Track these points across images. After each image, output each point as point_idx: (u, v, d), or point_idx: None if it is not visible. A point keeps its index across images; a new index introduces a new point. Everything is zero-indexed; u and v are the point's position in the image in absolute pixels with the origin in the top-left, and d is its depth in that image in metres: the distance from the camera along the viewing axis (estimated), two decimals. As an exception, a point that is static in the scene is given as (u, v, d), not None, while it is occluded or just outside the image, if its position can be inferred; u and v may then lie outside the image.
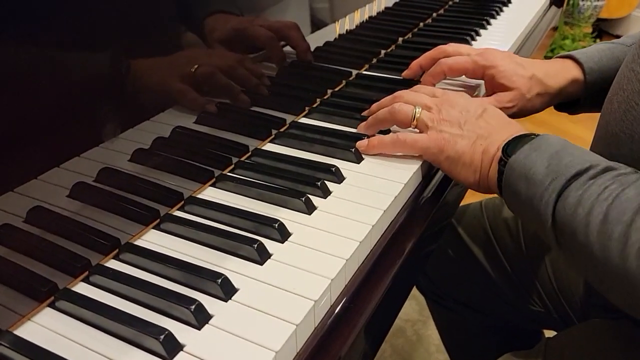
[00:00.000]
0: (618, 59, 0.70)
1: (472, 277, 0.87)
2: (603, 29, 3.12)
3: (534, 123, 0.79)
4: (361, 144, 0.61)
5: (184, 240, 0.50)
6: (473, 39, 0.96)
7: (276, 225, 0.49)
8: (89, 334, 0.41)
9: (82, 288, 0.45)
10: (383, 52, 0.90)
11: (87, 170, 0.47)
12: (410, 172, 0.58)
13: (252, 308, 0.42)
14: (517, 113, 0.70)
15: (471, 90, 0.77)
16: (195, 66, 0.55)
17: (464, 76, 0.75)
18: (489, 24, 1.04)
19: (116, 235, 0.48)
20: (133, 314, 0.41)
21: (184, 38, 0.55)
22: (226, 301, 0.43)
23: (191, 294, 0.43)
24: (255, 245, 0.46)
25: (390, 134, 0.63)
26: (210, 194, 0.56)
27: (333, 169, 0.57)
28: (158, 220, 0.51)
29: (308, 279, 0.44)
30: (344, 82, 0.79)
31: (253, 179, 0.57)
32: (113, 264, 0.47)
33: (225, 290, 0.43)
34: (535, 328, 0.96)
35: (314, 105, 0.72)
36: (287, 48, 0.70)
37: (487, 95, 0.73)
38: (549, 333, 0.81)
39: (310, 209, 0.52)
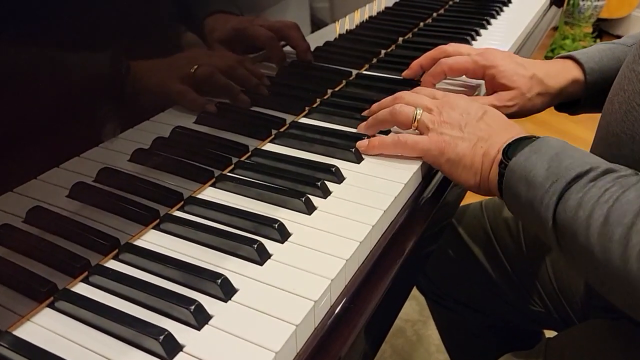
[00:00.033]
0: (619, 59, 0.70)
1: (472, 277, 0.87)
2: (603, 29, 3.12)
3: (534, 123, 0.79)
4: (361, 144, 0.61)
5: (184, 241, 0.49)
6: (473, 39, 0.96)
7: (276, 225, 0.49)
8: (88, 334, 0.41)
9: (81, 288, 0.45)
10: (383, 52, 0.90)
11: (86, 170, 0.47)
12: (411, 172, 0.58)
13: (251, 308, 0.42)
14: (517, 112, 0.70)
15: (471, 90, 0.76)
16: (195, 67, 0.55)
17: (464, 76, 0.75)
18: (489, 23, 1.04)
19: (116, 235, 0.48)
20: (133, 314, 0.41)
21: (183, 38, 0.55)
22: (226, 301, 0.43)
23: (191, 295, 0.43)
24: (255, 246, 0.46)
25: (391, 134, 0.63)
26: (210, 194, 0.56)
27: (333, 169, 0.57)
28: (158, 220, 0.51)
29: (308, 279, 0.44)
30: (344, 82, 0.79)
31: (253, 179, 0.57)
32: (113, 264, 0.47)
33: (225, 290, 0.43)
34: (536, 328, 0.96)
35: (314, 105, 0.72)
36: (287, 48, 0.70)
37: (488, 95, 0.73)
38: (550, 333, 0.81)
39: (310, 209, 0.52)
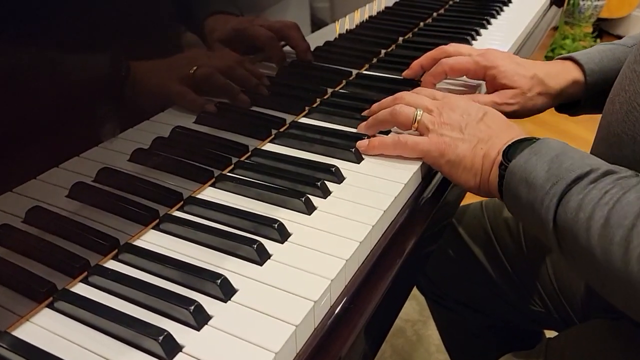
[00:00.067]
0: (619, 60, 0.70)
1: (472, 277, 0.87)
2: (603, 29, 3.12)
3: (535, 123, 0.79)
4: (361, 144, 0.61)
5: (183, 241, 0.49)
6: (473, 39, 0.96)
7: (276, 225, 0.49)
8: (87, 334, 0.41)
9: (80, 289, 0.45)
10: (383, 51, 0.90)
11: (86, 170, 0.47)
12: (411, 172, 0.58)
13: (251, 309, 0.42)
14: (519, 111, 0.70)
15: (472, 90, 0.76)
16: (195, 67, 0.55)
17: (464, 77, 0.75)
18: (489, 23, 1.04)
19: (115, 235, 0.48)
20: (132, 314, 0.41)
21: (183, 39, 0.55)
22: (225, 302, 0.43)
23: (190, 295, 0.43)
24: (255, 246, 0.46)
25: (391, 134, 0.63)
26: (210, 194, 0.56)
27: (333, 169, 0.57)
28: (157, 220, 0.51)
29: (308, 279, 0.44)
30: (344, 81, 0.79)
31: (253, 179, 0.57)
32: (112, 264, 0.47)
33: (225, 290, 0.43)
34: (536, 328, 0.96)
35: (314, 105, 0.72)
36: (287, 48, 0.70)
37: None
38: (550, 333, 0.80)
39: (310, 209, 0.52)
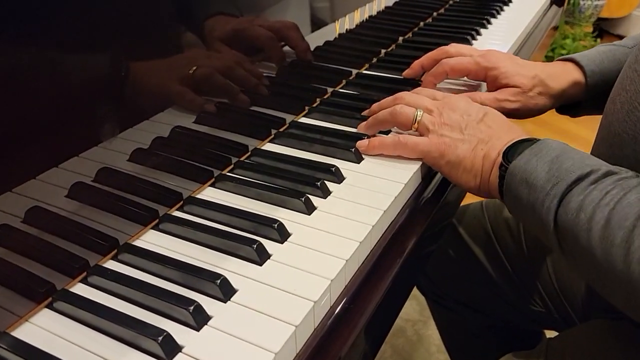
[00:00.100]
0: (619, 61, 0.70)
1: (472, 277, 0.87)
2: (604, 29, 3.12)
3: (535, 123, 0.78)
4: (361, 144, 0.61)
5: (183, 241, 0.49)
6: (474, 38, 0.96)
7: (276, 225, 0.49)
8: (87, 335, 0.41)
9: (80, 289, 0.45)
10: (383, 51, 0.90)
11: (85, 170, 0.47)
12: (411, 172, 0.58)
13: (251, 309, 0.42)
14: (520, 110, 0.70)
15: (472, 89, 0.76)
16: (194, 67, 0.55)
17: (465, 77, 0.75)
18: (489, 23, 1.04)
19: (115, 235, 0.48)
20: (131, 315, 0.41)
21: (182, 39, 0.55)
22: (225, 302, 0.42)
23: (190, 295, 0.43)
24: (255, 246, 0.46)
25: (391, 134, 0.63)
26: (210, 194, 0.55)
27: (333, 169, 0.57)
28: (157, 220, 0.51)
29: (308, 279, 0.44)
30: (344, 81, 0.79)
31: (252, 179, 0.57)
32: (111, 264, 0.47)
33: (224, 291, 0.43)
34: (536, 328, 0.96)
35: (314, 105, 0.72)
36: (287, 47, 0.70)
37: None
38: (550, 333, 0.80)
39: (310, 209, 0.52)
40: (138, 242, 0.49)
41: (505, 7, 1.14)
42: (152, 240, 0.50)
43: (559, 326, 0.82)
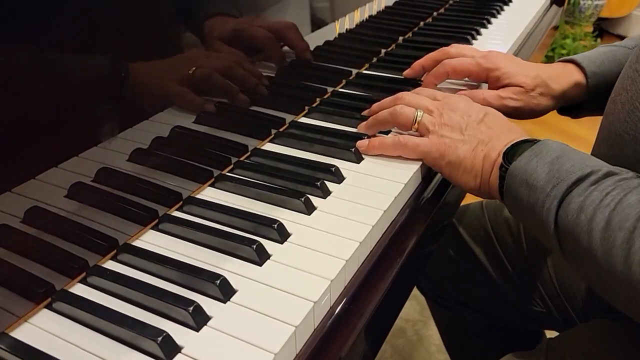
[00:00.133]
0: (620, 62, 0.69)
1: (473, 277, 0.87)
2: (604, 28, 3.11)
3: (536, 123, 0.78)
4: (361, 144, 0.61)
5: (183, 241, 0.49)
6: (474, 38, 0.96)
7: (275, 225, 0.49)
8: (86, 335, 0.41)
9: (79, 289, 0.45)
10: (383, 51, 0.90)
11: (85, 170, 0.47)
12: (411, 172, 0.57)
13: (251, 309, 0.41)
14: (522, 109, 0.70)
15: (472, 89, 0.76)
16: (194, 68, 0.55)
17: (466, 78, 0.75)
18: (489, 23, 1.04)
19: (114, 235, 0.48)
20: (131, 315, 0.41)
21: (182, 39, 0.55)
22: (225, 302, 0.42)
23: (189, 295, 0.42)
24: (254, 246, 0.46)
25: (391, 135, 0.63)
26: (209, 194, 0.55)
27: (333, 169, 0.57)
28: (156, 220, 0.51)
29: (307, 279, 0.44)
30: (344, 81, 0.79)
31: (252, 179, 0.57)
32: (111, 264, 0.47)
33: (224, 291, 0.43)
34: (536, 328, 0.96)
35: (314, 105, 0.72)
36: (287, 47, 0.70)
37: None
38: (550, 333, 0.80)
39: (309, 209, 0.52)
40: (137, 243, 0.49)
41: (505, 7, 1.14)
42: (151, 240, 0.49)
43: (560, 326, 0.82)
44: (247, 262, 0.46)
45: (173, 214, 0.52)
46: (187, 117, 0.57)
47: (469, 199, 0.83)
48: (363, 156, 0.61)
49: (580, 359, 0.62)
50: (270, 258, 0.47)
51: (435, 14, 1.09)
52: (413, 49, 0.90)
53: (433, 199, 0.60)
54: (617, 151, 0.54)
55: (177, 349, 0.39)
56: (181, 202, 0.53)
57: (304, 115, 0.70)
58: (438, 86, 0.75)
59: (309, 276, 0.44)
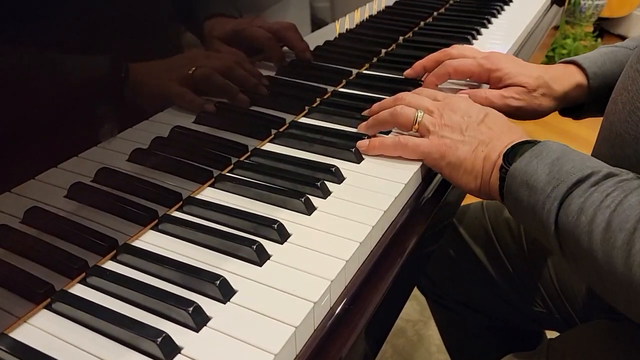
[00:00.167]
0: (621, 62, 0.69)
1: (473, 278, 0.87)
2: (604, 28, 3.11)
3: (536, 123, 0.78)
4: (362, 144, 0.61)
5: (182, 241, 0.49)
6: (474, 38, 0.96)
7: (275, 226, 0.48)
8: (85, 336, 0.41)
9: (79, 290, 0.44)
10: (384, 51, 0.90)
11: (85, 170, 0.47)
12: (411, 172, 0.57)
13: (250, 310, 0.41)
14: (524, 109, 0.69)
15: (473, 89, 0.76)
16: (193, 68, 0.55)
17: (467, 79, 0.75)
18: (490, 23, 1.04)
19: (114, 236, 0.48)
20: (130, 316, 0.41)
21: (182, 39, 0.54)
22: (225, 303, 0.42)
23: (189, 296, 0.42)
24: (254, 247, 0.46)
25: (392, 135, 0.63)
26: (209, 194, 0.55)
27: (333, 169, 0.57)
28: (156, 221, 0.51)
29: (307, 280, 0.44)
30: (344, 81, 0.79)
31: (252, 179, 0.57)
32: (110, 265, 0.47)
33: (224, 292, 0.42)
34: (537, 328, 0.96)
35: (314, 105, 0.71)
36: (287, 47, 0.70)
37: None
38: (550, 334, 0.80)
39: (309, 209, 0.52)
40: (137, 243, 0.49)
41: (505, 7, 1.13)
42: (151, 240, 0.49)
43: (560, 326, 0.82)
44: (247, 263, 0.46)
45: (173, 214, 0.52)
46: (187, 117, 0.57)
47: (470, 199, 0.83)
48: (363, 156, 0.61)
49: (580, 359, 0.62)
50: (270, 258, 0.46)
51: (435, 13, 1.09)
52: (413, 49, 0.90)
53: (433, 199, 0.60)
54: (618, 151, 0.54)
55: (177, 349, 0.39)
56: (181, 203, 0.53)
57: (304, 115, 0.70)
58: (439, 86, 0.75)
59: (309, 276, 0.44)
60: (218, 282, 0.43)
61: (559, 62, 0.74)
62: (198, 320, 0.40)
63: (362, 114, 0.68)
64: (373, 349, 0.49)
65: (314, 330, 0.42)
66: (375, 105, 0.66)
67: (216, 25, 0.57)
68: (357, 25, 0.85)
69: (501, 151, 0.53)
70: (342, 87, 0.78)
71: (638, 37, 0.74)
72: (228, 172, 0.58)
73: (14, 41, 0.38)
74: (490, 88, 0.73)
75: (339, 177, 0.57)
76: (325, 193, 0.54)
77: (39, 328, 0.41)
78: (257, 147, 0.62)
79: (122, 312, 0.41)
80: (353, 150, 0.60)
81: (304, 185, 0.54)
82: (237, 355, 0.38)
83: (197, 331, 0.40)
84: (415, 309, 1.49)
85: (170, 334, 0.39)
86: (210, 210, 0.52)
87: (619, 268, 0.41)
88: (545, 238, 0.48)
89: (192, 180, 0.55)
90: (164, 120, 0.54)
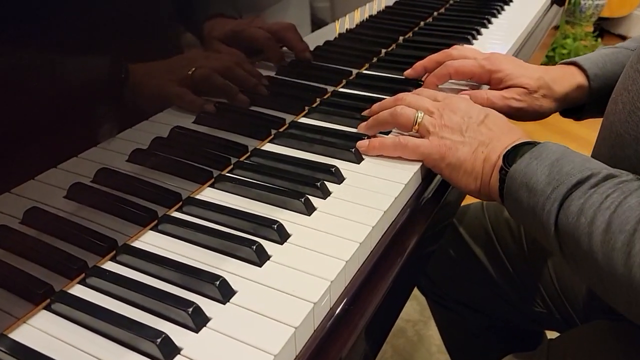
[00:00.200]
0: (622, 63, 0.69)
1: (473, 278, 0.87)
2: (604, 28, 3.11)
3: (537, 124, 0.78)
4: (362, 145, 0.61)
5: (182, 242, 0.49)
6: (474, 38, 0.96)
7: (275, 226, 0.48)
8: (85, 336, 0.41)
9: (78, 290, 0.44)
10: (384, 51, 0.90)
11: (84, 170, 0.47)
12: (411, 172, 0.57)
13: (250, 310, 0.41)
14: (525, 110, 0.69)
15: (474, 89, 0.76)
16: (193, 68, 0.54)
17: (467, 80, 0.75)
18: (490, 22, 1.04)
19: (113, 236, 0.48)
20: (130, 316, 0.41)
21: (182, 39, 0.54)
22: (224, 304, 0.42)
23: (189, 297, 0.42)
24: (254, 247, 0.46)
25: (391, 135, 0.63)
26: (209, 194, 0.55)
27: (333, 169, 0.57)
28: (156, 221, 0.51)
29: (307, 280, 0.44)
30: (344, 81, 0.79)
31: (252, 179, 0.56)
32: (110, 265, 0.47)
33: (224, 292, 0.42)
34: (537, 329, 0.96)
35: (314, 105, 0.71)
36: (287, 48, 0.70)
37: None
38: (551, 334, 0.80)
39: (309, 209, 0.52)
40: (137, 243, 0.49)
41: (505, 7, 1.13)
42: (151, 241, 0.49)
43: (560, 327, 0.82)
44: (246, 263, 0.46)
45: (172, 214, 0.52)
46: (187, 117, 0.57)
47: (470, 200, 0.83)
48: (363, 156, 0.61)
49: (581, 359, 0.62)
50: (270, 259, 0.46)
51: (435, 13, 1.09)
52: (413, 49, 0.90)
53: (433, 200, 0.60)
54: (618, 151, 0.54)
55: (176, 350, 0.39)
56: (181, 203, 0.53)
57: (304, 116, 0.70)
58: (439, 87, 0.75)
59: (308, 277, 0.44)
60: (218, 282, 0.43)
61: (560, 63, 0.74)
62: (197, 320, 0.40)
63: (362, 114, 0.67)
64: (373, 350, 0.49)
65: (314, 331, 0.42)
66: (376, 106, 0.66)
67: (216, 25, 0.57)
68: (357, 25, 0.85)
69: (501, 152, 0.53)
70: (342, 87, 0.78)
71: (638, 38, 0.74)
72: (228, 172, 0.58)
73: (14, 41, 0.38)
74: (490, 89, 0.73)
75: (338, 178, 0.57)
76: (325, 193, 0.54)
77: (39, 329, 0.41)
78: (257, 147, 0.62)
79: (122, 313, 0.41)
80: (353, 150, 0.60)
81: (303, 186, 0.54)
82: (237, 356, 0.38)
83: (196, 332, 0.40)
84: (415, 309, 1.49)
85: (169, 335, 0.39)
86: (210, 211, 0.52)
87: (619, 269, 0.41)
88: (545, 239, 0.48)
89: (192, 181, 0.55)
90: (164, 120, 0.54)
